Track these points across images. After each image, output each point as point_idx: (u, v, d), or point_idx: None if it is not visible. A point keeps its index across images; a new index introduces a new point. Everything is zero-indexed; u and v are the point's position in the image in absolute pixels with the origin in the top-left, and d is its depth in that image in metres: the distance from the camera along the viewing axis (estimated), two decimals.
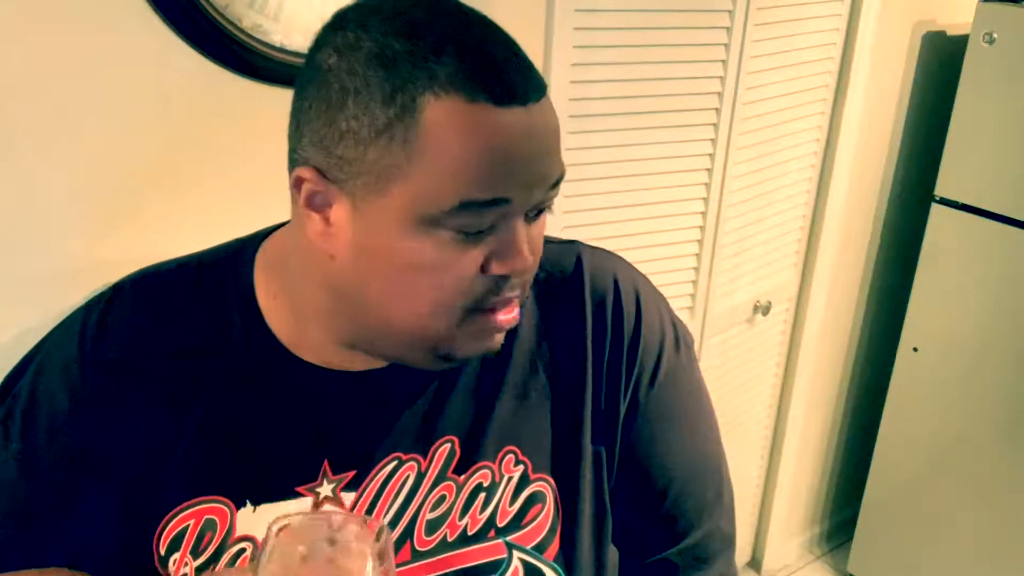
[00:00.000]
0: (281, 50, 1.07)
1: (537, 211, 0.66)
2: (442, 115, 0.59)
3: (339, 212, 0.64)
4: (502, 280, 0.65)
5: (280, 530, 0.55)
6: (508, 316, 0.67)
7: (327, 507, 0.60)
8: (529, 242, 0.66)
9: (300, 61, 0.68)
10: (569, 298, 0.78)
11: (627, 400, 0.78)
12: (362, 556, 0.55)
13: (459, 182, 0.60)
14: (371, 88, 0.60)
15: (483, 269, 0.64)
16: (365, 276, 0.65)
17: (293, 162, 0.66)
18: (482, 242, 0.63)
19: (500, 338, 0.69)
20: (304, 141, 0.64)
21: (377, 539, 0.56)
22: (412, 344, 0.67)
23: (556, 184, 0.66)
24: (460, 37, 0.61)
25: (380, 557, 0.55)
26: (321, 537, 0.56)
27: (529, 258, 0.65)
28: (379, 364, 0.73)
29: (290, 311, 0.73)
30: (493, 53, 0.61)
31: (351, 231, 0.64)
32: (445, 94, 0.59)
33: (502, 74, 0.60)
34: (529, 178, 0.62)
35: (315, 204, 0.65)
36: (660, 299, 0.83)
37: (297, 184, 0.65)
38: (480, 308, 0.66)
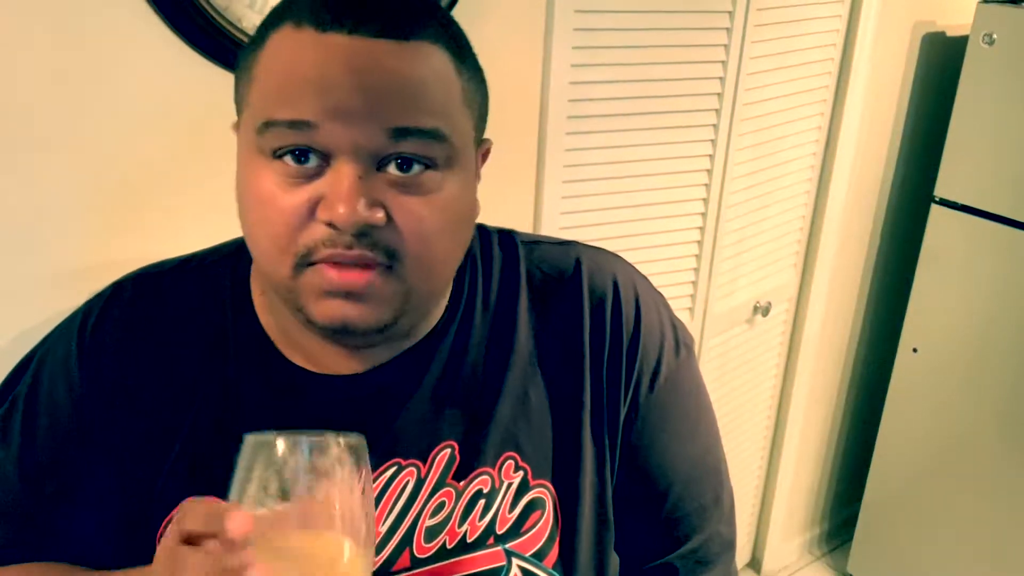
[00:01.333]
0: None
1: (400, 166, 0.61)
2: (273, 43, 0.62)
3: None
4: (337, 231, 0.60)
5: (257, 451, 0.54)
6: (340, 275, 0.62)
7: (304, 432, 0.58)
8: (397, 208, 0.61)
9: None
10: (567, 300, 0.77)
11: (627, 403, 0.77)
12: (343, 483, 0.55)
13: (265, 101, 0.61)
14: (252, 37, 0.66)
15: (315, 214, 0.61)
16: (241, 218, 0.67)
17: None
18: (314, 183, 0.61)
19: (357, 309, 0.63)
20: None
21: (356, 459, 0.55)
22: (281, 299, 0.67)
23: (401, 135, 0.60)
24: None
25: (359, 474, 0.55)
26: (300, 465, 0.54)
27: (351, 205, 0.59)
28: (370, 365, 0.72)
29: (273, 307, 0.73)
30: None
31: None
32: (282, 24, 0.62)
33: (338, 5, 0.61)
34: (339, 106, 0.59)
35: None
36: (660, 300, 0.82)
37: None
38: (315, 260, 0.62)
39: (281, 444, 0.55)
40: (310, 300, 0.63)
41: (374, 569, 0.70)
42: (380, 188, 0.61)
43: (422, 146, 0.62)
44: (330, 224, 0.60)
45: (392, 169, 0.62)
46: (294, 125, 0.60)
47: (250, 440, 0.55)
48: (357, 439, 0.57)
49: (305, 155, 0.61)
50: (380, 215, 0.61)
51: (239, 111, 0.67)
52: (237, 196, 0.67)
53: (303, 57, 0.60)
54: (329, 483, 0.55)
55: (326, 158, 0.61)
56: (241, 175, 0.65)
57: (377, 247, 0.62)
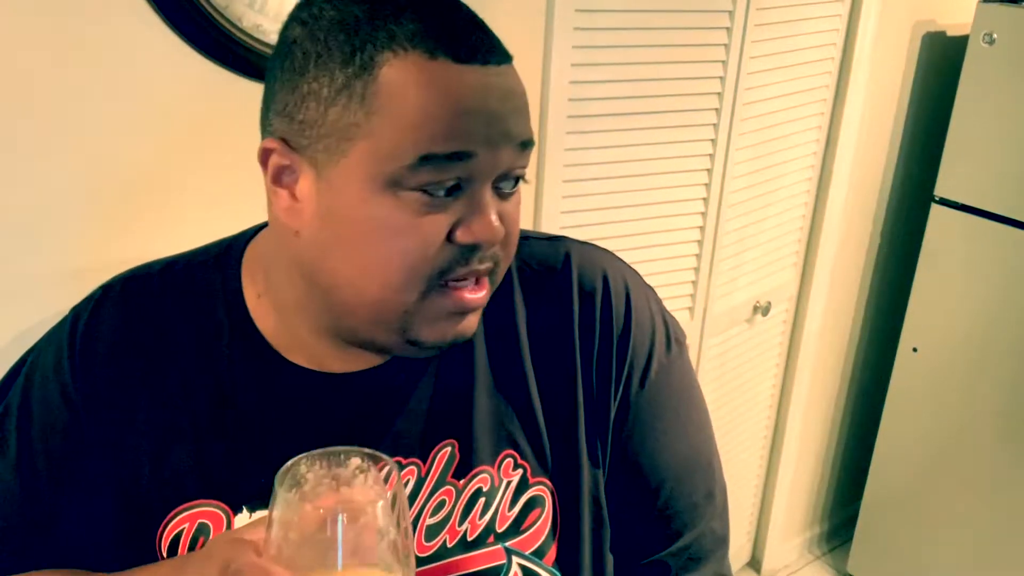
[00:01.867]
0: None
1: (510, 182, 0.65)
2: (400, 71, 0.60)
3: (304, 184, 0.64)
4: (470, 251, 0.63)
5: (283, 476, 0.55)
6: (474, 295, 0.65)
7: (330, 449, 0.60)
8: (503, 217, 0.64)
9: None
10: (557, 294, 0.77)
11: (617, 399, 0.76)
12: (368, 490, 0.55)
13: (418, 135, 0.59)
14: (331, 51, 0.61)
15: (450, 237, 0.62)
16: (329, 247, 0.64)
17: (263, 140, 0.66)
18: (449, 208, 0.62)
19: (470, 322, 0.67)
20: (270, 115, 0.65)
21: (386, 480, 0.56)
22: (379, 323, 0.65)
23: (524, 147, 0.64)
24: (419, 1, 0.62)
25: (393, 499, 0.55)
26: (324, 481, 0.55)
27: (497, 226, 0.63)
28: (371, 364, 0.72)
29: (275, 310, 0.72)
30: (453, 16, 0.62)
31: (316, 201, 0.63)
32: (404, 52, 0.60)
33: (461, 34, 0.61)
34: (491, 133, 0.61)
35: (282, 180, 0.65)
36: (651, 295, 0.81)
37: (264, 157, 0.65)
38: (445, 281, 0.64)
39: (301, 462, 0.56)
40: (425, 322, 0.65)
41: None
42: (498, 202, 0.64)
43: (528, 156, 0.66)
44: (473, 246, 0.63)
45: (506, 184, 0.65)
46: (456, 157, 0.60)
47: (280, 471, 0.56)
48: (379, 453, 0.58)
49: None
50: (503, 229, 0.64)
51: (334, 136, 0.61)
52: (337, 233, 0.63)
53: (456, 89, 0.60)
54: (351, 492, 0.55)
55: (460, 181, 0.62)
56: (356, 210, 0.62)
57: (493, 258, 0.65)
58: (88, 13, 0.97)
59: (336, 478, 0.56)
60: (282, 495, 0.54)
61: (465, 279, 0.65)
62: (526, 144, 0.64)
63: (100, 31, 0.99)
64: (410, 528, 0.58)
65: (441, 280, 0.64)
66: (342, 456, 0.57)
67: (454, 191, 0.62)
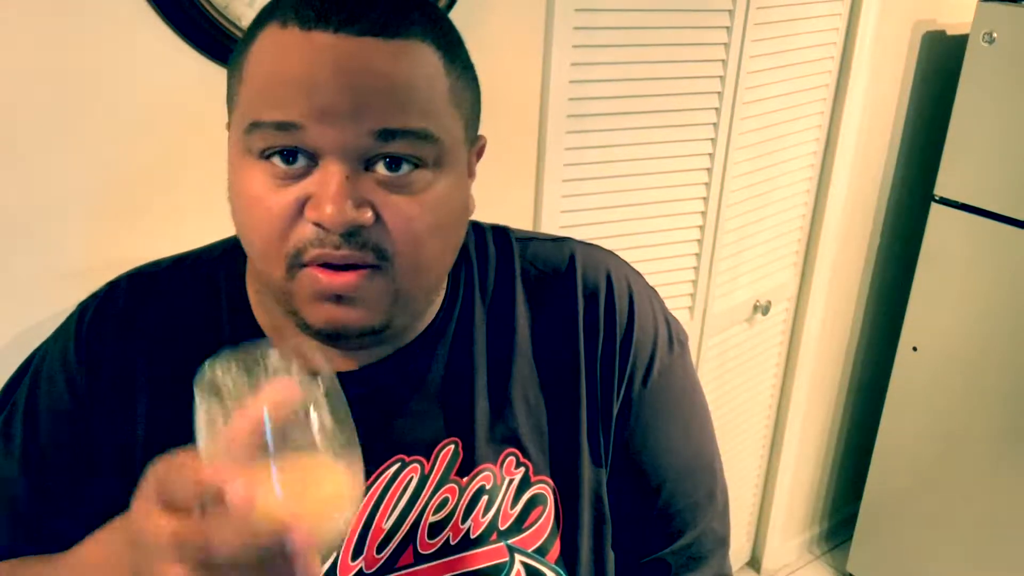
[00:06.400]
0: None
1: (384, 164, 0.61)
2: (261, 41, 0.61)
3: None
4: (325, 232, 0.60)
5: (202, 390, 0.53)
6: (332, 279, 0.61)
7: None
8: (384, 206, 0.61)
9: None
10: (561, 295, 0.77)
11: (620, 398, 0.77)
12: (292, 385, 0.52)
13: (252, 102, 0.61)
14: (244, 34, 0.65)
15: (303, 214, 0.61)
16: (234, 219, 0.66)
17: None
18: (301, 183, 0.61)
19: (349, 313, 0.63)
20: None
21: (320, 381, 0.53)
22: (276, 299, 0.66)
23: (392, 135, 0.60)
24: None
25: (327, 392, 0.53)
26: (238, 384, 0.53)
27: (334, 208, 0.59)
28: (368, 362, 0.72)
29: (270, 306, 0.72)
30: None
31: None
32: (269, 23, 0.61)
33: (323, 2, 0.60)
34: (325, 107, 0.58)
35: None
36: (653, 296, 0.82)
37: None
38: (305, 261, 0.62)
39: (216, 368, 0.53)
40: (303, 304, 0.63)
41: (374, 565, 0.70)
42: (368, 187, 0.61)
43: (410, 146, 0.61)
44: (318, 224, 0.60)
45: (380, 168, 0.61)
46: (280, 127, 0.59)
47: (197, 381, 0.54)
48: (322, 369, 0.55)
49: (293, 155, 0.60)
50: (368, 215, 0.61)
51: (230, 110, 0.66)
52: (229, 197, 0.66)
53: (288, 57, 0.59)
54: (274, 390, 0.52)
55: (314, 158, 0.60)
56: (231, 176, 0.65)
57: (366, 247, 0.61)
58: (88, 13, 0.97)
59: (255, 378, 0.53)
60: (204, 404, 0.53)
61: (327, 264, 0.61)
62: (390, 134, 0.60)
63: (100, 31, 0.99)
64: (350, 418, 0.55)
65: (302, 259, 0.62)
66: (259, 355, 0.54)
67: (290, 159, 0.60)
